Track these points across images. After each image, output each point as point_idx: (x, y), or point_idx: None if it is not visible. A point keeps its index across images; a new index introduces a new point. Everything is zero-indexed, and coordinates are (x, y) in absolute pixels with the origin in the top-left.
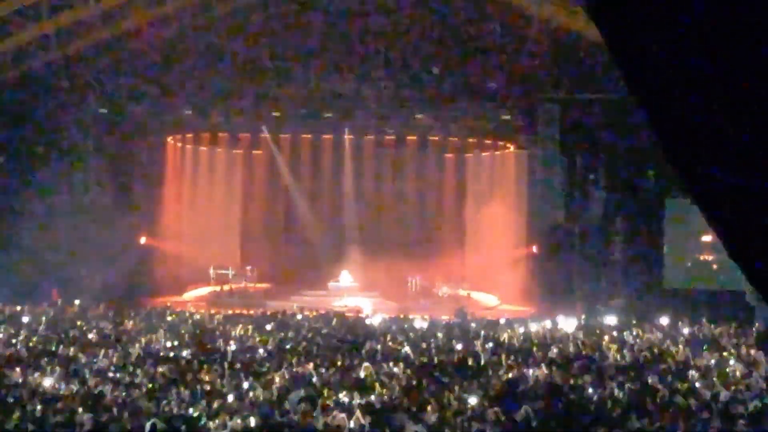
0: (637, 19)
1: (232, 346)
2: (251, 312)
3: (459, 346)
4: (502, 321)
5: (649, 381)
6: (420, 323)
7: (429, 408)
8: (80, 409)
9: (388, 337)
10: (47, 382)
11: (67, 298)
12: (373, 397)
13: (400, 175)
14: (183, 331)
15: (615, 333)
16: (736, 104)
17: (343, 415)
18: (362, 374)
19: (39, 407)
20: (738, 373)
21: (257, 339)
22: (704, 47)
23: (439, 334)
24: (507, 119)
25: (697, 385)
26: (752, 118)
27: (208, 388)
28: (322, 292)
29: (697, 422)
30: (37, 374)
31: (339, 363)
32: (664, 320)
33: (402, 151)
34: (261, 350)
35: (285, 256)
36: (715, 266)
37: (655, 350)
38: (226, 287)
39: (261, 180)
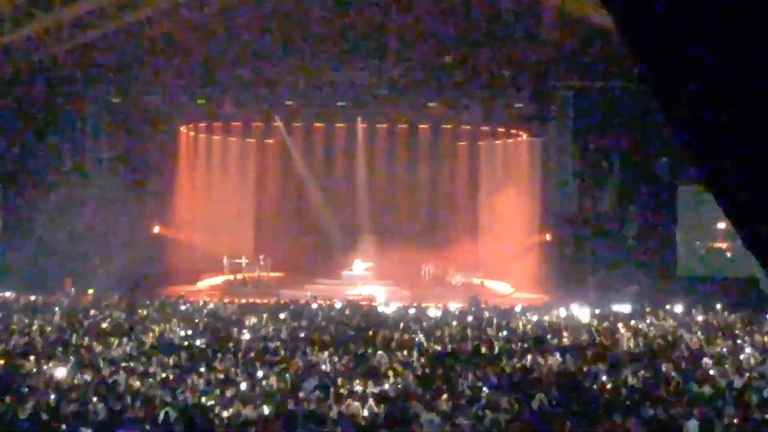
0: (649, 5)
1: (246, 335)
2: (265, 301)
3: (473, 335)
4: (516, 309)
5: (663, 368)
6: (434, 312)
7: (443, 396)
8: (94, 399)
9: (402, 326)
10: (61, 372)
11: (80, 288)
12: (386, 386)
13: (413, 164)
14: (197, 320)
15: (629, 320)
16: (750, 92)
17: (357, 403)
18: (376, 363)
19: (53, 397)
20: (752, 361)
21: (270, 328)
22: (717, 34)
23: (453, 323)
24: (520, 107)
25: (711, 372)
26: (766, 105)
27: (222, 376)
28: (335, 280)
29: (711, 409)
30: (51, 364)
31: (353, 352)
32: (678, 308)
33: (415, 140)
34: (275, 339)
35: (298, 245)
36: (728, 253)
37: (669, 338)
38: (239, 276)
39: (274, 169)
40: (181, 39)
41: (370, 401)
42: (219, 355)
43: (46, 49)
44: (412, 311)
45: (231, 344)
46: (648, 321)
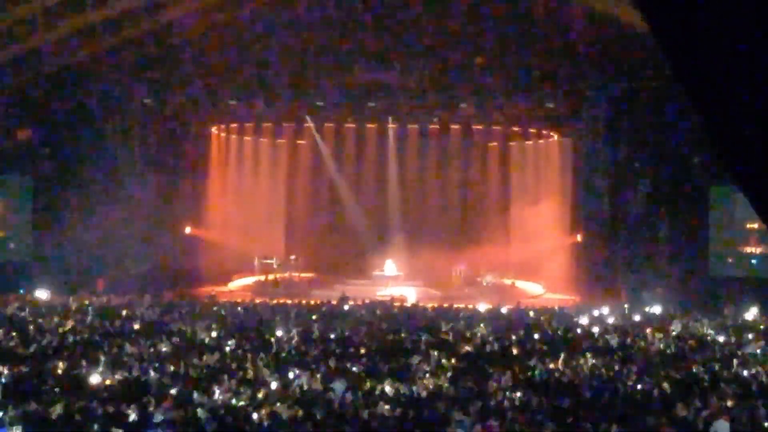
0: (683, 6)
1: (277, 336)
2: (296, 301)
3: (503, 336)
4: (547, 310)
5: (694, 369)
6: (464, 312)
7: (474, 398)
8: (126, 400)
9: (433, 327)
10: (93, 373)
11: (112, 288)
12: (417, 387)
13: (444, 165)
14: (228, 321)
15: (660, 322)
16: None
17: (388, 405)
18: (407, 363)
19: (85, 398)
20: None
21: (301, 329)
22: (751, 35)
23: (482, 324)
24: (551, 108)
25: (744, 373)
26: None
27: (253, 377)
28: (366, 281)
29: (742, 410)
30: (83, 364)
31: (383, 352)
32: (710, 308)
33: (446, 141)
34: (306, 340)
35: (329, 246)
36: (760, 254)
37: (700, 338)
38: (270, 277)
39: (305, 169)
40: (213, 40)
41: (401, 402)
42: (250, 355)
43: (78, 51)
44: (442, 312)
45: (262, 345)
46: (679, 322)
